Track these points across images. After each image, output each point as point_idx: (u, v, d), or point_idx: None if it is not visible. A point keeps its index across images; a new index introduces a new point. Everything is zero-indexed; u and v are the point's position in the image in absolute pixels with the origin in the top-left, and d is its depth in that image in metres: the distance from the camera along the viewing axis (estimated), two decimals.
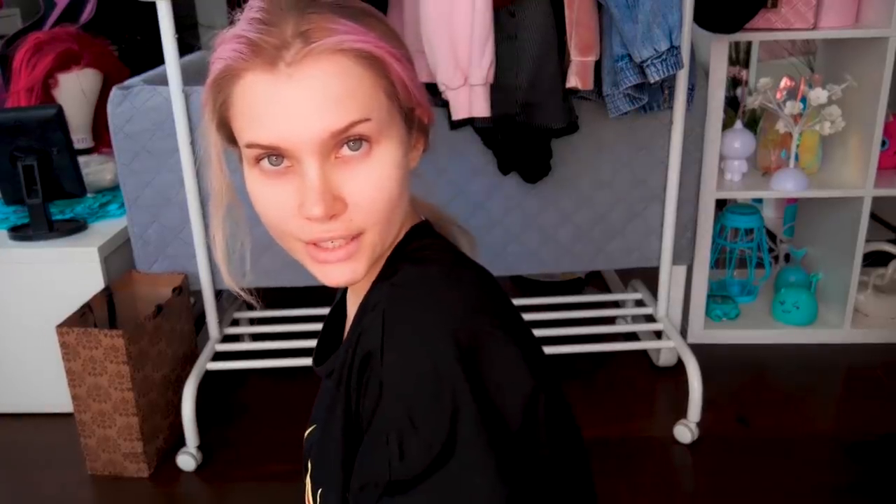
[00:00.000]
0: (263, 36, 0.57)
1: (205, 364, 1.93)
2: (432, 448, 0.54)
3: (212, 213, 0.67)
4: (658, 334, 2.15)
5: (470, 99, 1.62)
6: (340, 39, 0.57)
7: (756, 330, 2.35)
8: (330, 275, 0.62)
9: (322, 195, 0.58)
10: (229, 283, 0.70)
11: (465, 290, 0.62)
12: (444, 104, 1.67)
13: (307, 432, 0.77)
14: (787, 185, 2.18)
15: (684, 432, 1.88)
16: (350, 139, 0.58)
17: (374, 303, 0.61)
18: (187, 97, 1.79)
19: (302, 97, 0.57)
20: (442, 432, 0.54)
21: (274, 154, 0.59)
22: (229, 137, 0.64)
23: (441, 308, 0.59)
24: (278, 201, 0.60)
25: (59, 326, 1.73)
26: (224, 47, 0.60)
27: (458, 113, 1.65)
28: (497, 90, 1.65)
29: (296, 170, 0.59)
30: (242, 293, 0.72)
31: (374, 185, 0.60)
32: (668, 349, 2.13)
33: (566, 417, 0.63)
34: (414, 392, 0.56)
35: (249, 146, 0.60)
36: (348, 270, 0.62)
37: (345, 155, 0.59)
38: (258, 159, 0.60)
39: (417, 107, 0.65)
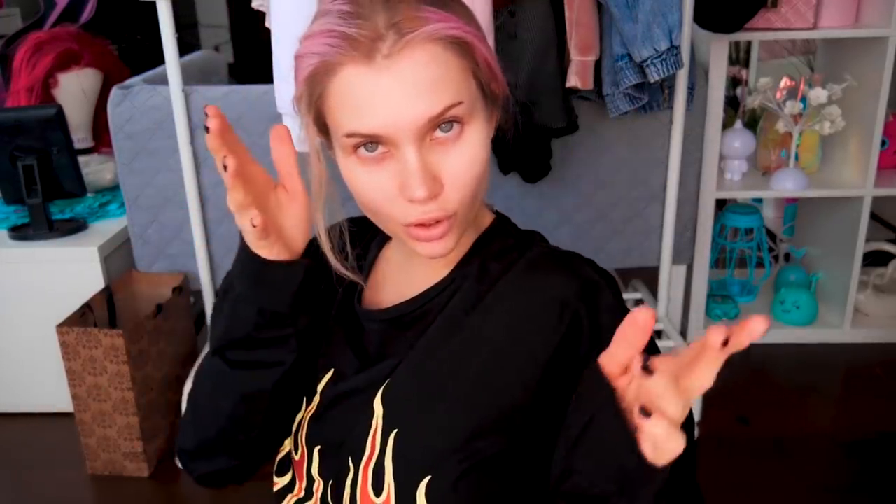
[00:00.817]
0: (358, 30, 0.59)
1: None
2: None
3: (314, 204, 0.70)
4: (658, 334, 2.15)
5: None
6: (434, 29, 0.60)
7: None
8: (426, 250, 0.66)
9: (424, 178, 0.61)
10: (336, 266, 0.73)
11: None
12: None
13: (326, 379, 0.76)
14: (787, 184, 2.18)
15: None
16: (444, 122, 0.62)
17: (544, 264, 0.69)
18: (187, 97, 1.79)
19: (400, 87, 0.60)
20: None
21: (372, 141, 0.62)
22: (321, 128, 0.67)
23: None
24: (378, 186, 0.63)
25: (59, 326, 1.73)
26: (314, 41, 0.62)
27: None
28: None
29: (392, 154, 0.63)
30: (350, 273, 0.74)
31: (466, 163, 0.64)
32: (668, 349, 2.13)
33: None
34: None
35: (350, 136, 0.62)
36: (442, 246, 0.65)
37: (438, 137, 0.62)
38: (356, 147, 0.63)
39: (493, 81, 0.67)
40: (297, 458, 0.76)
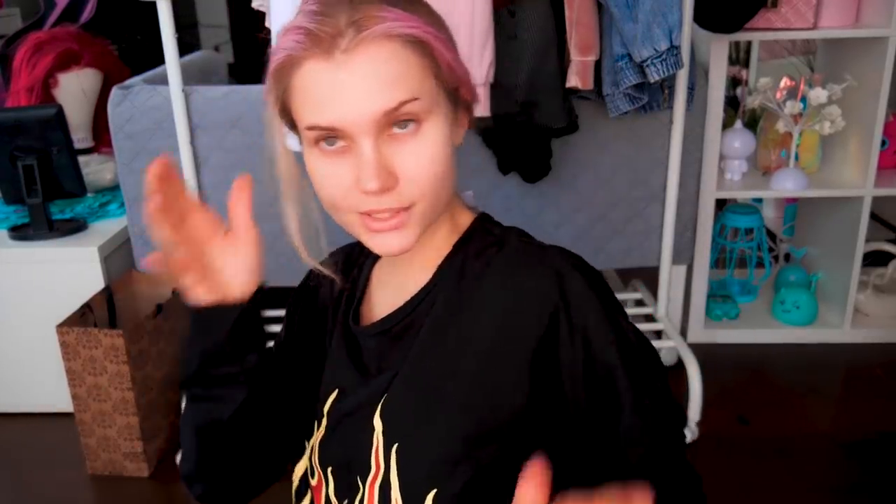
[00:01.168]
0: (320, 26, 0.62)
1: None
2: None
3: (283, 200, 0.72)
4: (658, 334, 2.15)
5: None
6: (390, 26, 0.62)
7: (756, 329, 2.35)
8: (382, 244, 0.67)
9: (377, 171, 0.62)
10: (308, 261, 0.75)
11: None
12: None
13: (332, 398, 0.77)
14: (787, 184, 2.18)
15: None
16: (400, 118, 0.63)
17: (529, 262, 0.68)
18: (187, 97, 1.79)
19: (356, 81, 0.61)
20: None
21: (331, 134, 0.64)
22: (289, 122, 0.69)
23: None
24: (337, 180, 0.65)
25: (59, 326, 1.73)
26: (285, 38, 0.64)
27: None
28: (497, 90, 1.64)
29: (351, 148, 0.64)
30: (325, 270, 0.76)
31: (423, 159, 0.64)
32: (668, 349, 2.13)
33: None
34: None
35: (310, 128, 0.64)
36: (399, 239, 0.66)
37: (396, 132, 0.64)
38: (317, 140, 0.65)
39: (461, 85, 0.69)
40: (314, 482, 0.77)
